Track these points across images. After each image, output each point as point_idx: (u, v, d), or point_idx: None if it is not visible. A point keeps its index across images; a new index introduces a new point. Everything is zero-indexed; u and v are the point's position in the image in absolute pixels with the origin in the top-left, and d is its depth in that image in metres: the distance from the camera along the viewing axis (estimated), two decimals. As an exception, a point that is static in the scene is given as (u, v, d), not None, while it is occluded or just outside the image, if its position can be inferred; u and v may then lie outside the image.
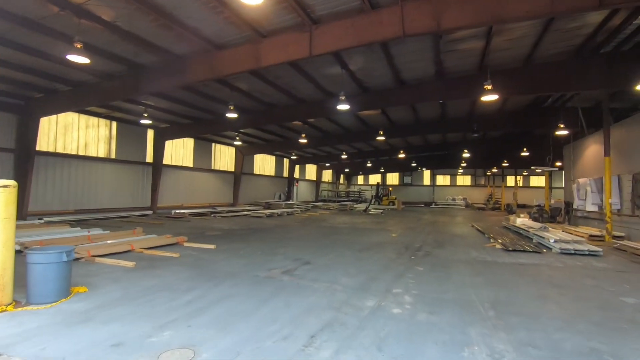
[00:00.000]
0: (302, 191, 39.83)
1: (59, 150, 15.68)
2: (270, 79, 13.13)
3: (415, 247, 10.08)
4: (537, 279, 6.59)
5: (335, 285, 5.88)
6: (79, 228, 11.60)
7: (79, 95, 12.64)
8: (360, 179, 54.68)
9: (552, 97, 17.25)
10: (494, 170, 39.69)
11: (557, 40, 10.80)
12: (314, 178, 43.25)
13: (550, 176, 44.08)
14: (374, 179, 51.22)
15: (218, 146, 25.90)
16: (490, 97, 10.48)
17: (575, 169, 16.50)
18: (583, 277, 6.82)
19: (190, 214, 19.02)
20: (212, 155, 25.37)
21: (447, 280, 6.38)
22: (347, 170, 48.01)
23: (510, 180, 43.11)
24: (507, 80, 12.33)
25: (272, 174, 33.87)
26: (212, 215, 19.88)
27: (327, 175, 47.50)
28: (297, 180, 38.07)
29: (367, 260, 8.12)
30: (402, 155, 28.21)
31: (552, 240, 9.91)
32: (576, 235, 11.53)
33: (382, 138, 19.19)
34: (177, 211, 19.20)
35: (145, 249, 8.55)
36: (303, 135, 20.15)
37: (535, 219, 17.39)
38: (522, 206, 34.78)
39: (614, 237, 11.32)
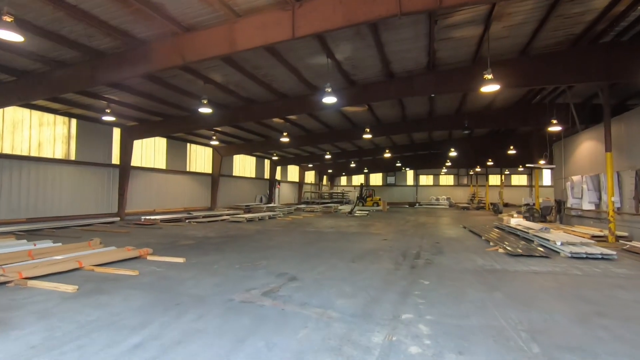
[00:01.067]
0: (284, 193, 38.51)
1: (6, 151, 13.80)
2: (248, 69, 11.86)
3: (412, 255, 9.06)
4: (563, 293, 5.65)
5: (329, 311, 4.71)
6: (25, 240, 9.95)
7: (24, 87, 10.95)
8: (344, 180, 53.81)
9: (541, 94, 16.82)
10: (477, 169, 39.59)
11: (558, 28, 10.07)
12: (297, 179, 42.00)
13: (531, 175, 44.86)
14: (358, 179, 50.46)
15: (194, 146, 24.27)
16: (490, 88, 9.60)
17: (568, 167, 16.03)
18: (612, 288, 5.94)
19: (163, 220, 17.41)
20: (188, 156, 23.73)
21: (462, 298, 5.33)
22: (330, 171, 47.03)
23: (493, 180, 43.28)
24: (503, 72, 11.55)
25: (253, 175, 32.40)
26: (187, 221, 18.33)
27: (309, 176, 46.36)
28: (279, 182, 36.74)
29: (362, 273, 7.00)
30: (387, 155, 27.41)
31: (559, 243, 9.11)
32: (578, 235, 10.83)
33: (369, 136, 18.22)
34: (148, 217, 17.54)
35: (97, 265, 7.12)
36: (285, 134, 18.92)
37: (526, 219, 16.84)
38: (505, 205, 34.73)
39: (618, 237, 10.69)
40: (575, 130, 15.55)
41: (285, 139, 19.14)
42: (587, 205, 13.04)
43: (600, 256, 8.25)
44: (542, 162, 17.50)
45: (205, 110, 12.60)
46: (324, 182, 51.41)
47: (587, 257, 8.32)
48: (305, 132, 22.46)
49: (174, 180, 22.23)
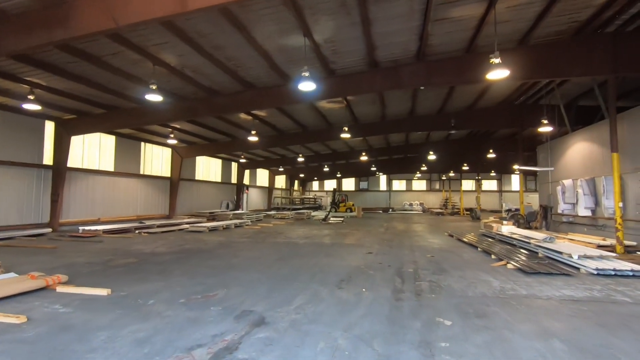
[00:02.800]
0: (253, 199, 36.09)
1: None
2: (207, 49, 9.79)
3: (410, 274, 7.37)
4: None
5: (321, 396, 2.82)
6: None
7: None
8: (316, 185, 52.08)
9: (526, 94, 16.03)
10: (451, 174, 39.33)
11: (564, 12, 8.92)
12: (267, 184, 39.70)
13: (501, 180, 45.31)
14: (330, 184, 48.92)
15: (149, 146, 21.50)
16: (498, 74, 8.18)
17: (556, 170, 15.19)
18: (688, 324, 4.51)
19: (107, 231, 14.69)
20: (142, 157, 20.93)
21: (511, 354, 3.63)
22: (302, 175, 45.11)
23: (465, 185, 43.30)
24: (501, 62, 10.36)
25: (219, 180, 29.82)
26: (137, 231, 15.70)
27: (280, 181, 44.17)
28: (248, 186, 34.33)
29: (356, 307, 5.16)
30: (363, 158, 25.97)
31: (575, 257, 7.79)
32: (581, 245, 9.67)
33: (347, 135, 16.57)
34: (89, 228, 14.75)
35: (-34, 308, 4.78)
36: (253, 132, 16.84)
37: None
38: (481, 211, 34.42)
39: (627, 247, 9.63)
40: (564, 131, 14.76)
41: (253, 138, 17.06)
42: (583, 212, 12.09)
43: (630, 273, 6.96)
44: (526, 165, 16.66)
45: (155, 97, 10.34)
46: (296, 187, 49.40)
47: (615, 275, 7.01)
48: (276, 132, 20.47)
49: (124, 185, 19.39)
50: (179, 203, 23.69)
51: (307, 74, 8.88)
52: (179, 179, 23.07)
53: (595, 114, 15.50)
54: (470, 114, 17.85)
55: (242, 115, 16.97)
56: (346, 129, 16.30)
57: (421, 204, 42.74)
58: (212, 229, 17.38)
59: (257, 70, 11.49)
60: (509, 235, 12.04)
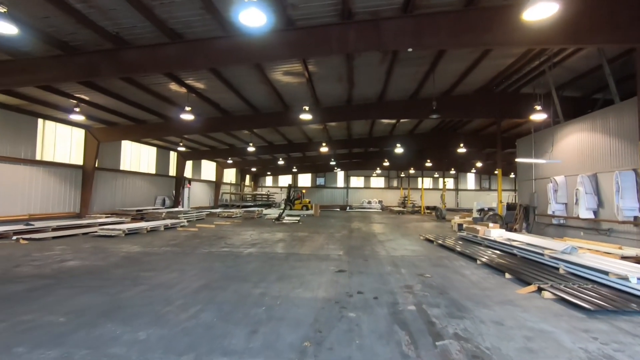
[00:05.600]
0: (196, 195, 31.70)
1: None
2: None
3: (415, 319, 4.52)
4: None
5: None
6: None
7: None
8: (269, 180, 48.44)
9: (509, 80, 14.17)
10: (411, 171, 38.08)
11: None
12: (213, 178, 35.37)
13: (457, 178, 44.94)
14: (285, 180, 45.61)
15: (50, 124, 16.67)
16: (539, 11, 5.60)
17: (543, 165, 13.44)
18: None
19: (-37, 238, 10.25)
20: (40, 139, 16.09)
21: None
22: (254, 169, 41.32)
23: (427, 182, 42.42)
24: (501, 29, 7.98)
25: (152, 171, 25.21)
26: (15, 237, 11.34)
27: (229, 175, 39.94)
28: (190, 180, 29.92)
29: None
30: (323, 149, 23.07)
31: (634, 280, 5.50)
32: (600, 256, 7.61)
33: (308, 117, 13.47)
34: None
35: None
36: (188, 109, 13.11)
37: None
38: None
39: (655, 259, 7.73)
40: (547, 123, 13.02)
41: (188, 116, 13.30)
42: (585, 214, 10.27)
43: None
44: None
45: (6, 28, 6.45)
46: (247, 182, 45.36)
47: None
48: (221, 113, 16.80)
49: (11, 174, 14.54)
50: (96, 198, 19.03)
51: (258, 20, 5.68)
52: (96, 168, 18.42)
53: (580, 106, 14.11)
54: (446, 100, 15.66)
55: (174, 87, 13.17)
56: (306, 108, 13.21)
57: (380, 202, 41.09)
58: (131, 232, 13.42)
59: (184, 12, 8.00)
60: (504, 242, 9.83)
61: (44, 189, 16.06)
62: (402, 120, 20.71)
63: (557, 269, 7.26)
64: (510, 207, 17.59)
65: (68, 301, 5.12)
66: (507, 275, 6.85)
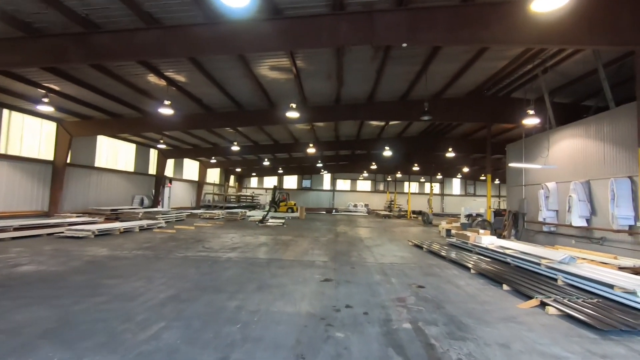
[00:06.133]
0: (178, 194, 30.60)
1: None
2: None
3: (412, 340, 3.97)
4: None
5: None
6: None
7: None
8: (254, 182, 47.49)
9: (500, 84, 13.97)
10: (398, 175, 37.87)
11: None
12: (196, 178, 34.26)
13: (443, 183, 44.94)
14: (271, 181, 44.78)
15: (17, 115, 15.52)
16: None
17: (533, 172, 13.22)
18: None
19: None
20: (5, 131, 14.94)
21: None
22: (238, 170, 40.34)
23: (413, 187, 42.38)
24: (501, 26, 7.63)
25: (131, 169, 24.06)
26: (-32, 237, 10.31)
27: (213, 175, 38.85)
28: (171, 179, 28.83)
29: None
30: (310, 150, 22.47)
31: (642, 295, 5.12)
32: (596, 265, 7.28)
33: (295, 115, 12.85)
34: None
35: None
36: (167, 103, 12.30)
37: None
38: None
39: (653, 270, 7.45)
40: (545, 128, 12.83)
41: (167, 111, 12.50)
42: (577, 221, 10.01)
43: None
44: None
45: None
46: (231, 182, 44.29)
47: None
48: (203, 109, 16.01)
49: (-30, 167, 13.39)
50: (67, 196, 17.88)
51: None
52: (67, 164, 17.30)
53: (570, 112, 14.00)
54: (437, 103, 15.34)
55: (152, 79, 12.35)
56: (293, 105, 12.59)
57: (366, 206, 40.76)
58: (102, 234, 12.49)
59: (159, -10, 7.31)
60: (497, 250, 9.45)
61: (8, 185, 14.89)
62: (391, 123, 20.35)
63: (555, 279, 6.87)
64: (496, 213, 17.41)
65: (6, 316, 4.35)
66: (505, 287, 6.40)
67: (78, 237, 11.61)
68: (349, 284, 6.48)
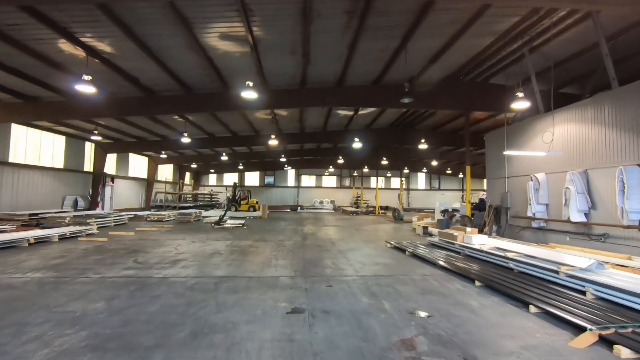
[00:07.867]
0: (123, 194, 27.06)
1: None
2: None
3: None
4: None
5: None
6: None
7: None
8: (213, 179, 44.23)
9: (477, 69, 12.83)
10: (365, 170, 36.67)
11: None
12: (145, 175, 30.70)
13: (409, 178, 44.39)
14: (231, 178, 41.87)
15: None
16: None
17: (517, 162, 12.15)
18: None
19: None
20: None
21: None
22: (194, 166, 36.99)
23: (374, 182, 41.38)
24: None
25: (60, 165, 20.44)
26: None
27: (166, 172, 35.24)
28: (113, 177, 25.31)
29: None
30: (273, 142, 20.26)
31: None
32: (622, 269, 6.04)
33: (252, 95, 10.66)
34: None
35: None
36: (88, 78, 9.60)
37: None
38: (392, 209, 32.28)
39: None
40: (525, 116, 11.75)
41: (88, 88, 9.79)
42: (576, 216, 8.90)
43: None
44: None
45: None
46: (187, 180, 40.74)
47: None
48: (141, 91, 13.30)
49: None
50: (-32, 199, 14.34)
51: None
52: (-35, 159, 13.79)
53: (548, 100, 13.14)
54: (411, 88, 13.90)
55: (66, 46, 9.60)
56: (250, 84, 10.40)
57: (332, 202, 39.25)
58: (1, 246, 9.60)
59: None
60: (493, 252, 8.04)
61: None
62: (360, 113, 18.75)
63: (581, 292, 5.47)
64: (478, 207, 16.46)
65: None
66: (532, 309, 4.85)
67: (-39, 254, 8.71)
68: (328, 317, 4.59)
